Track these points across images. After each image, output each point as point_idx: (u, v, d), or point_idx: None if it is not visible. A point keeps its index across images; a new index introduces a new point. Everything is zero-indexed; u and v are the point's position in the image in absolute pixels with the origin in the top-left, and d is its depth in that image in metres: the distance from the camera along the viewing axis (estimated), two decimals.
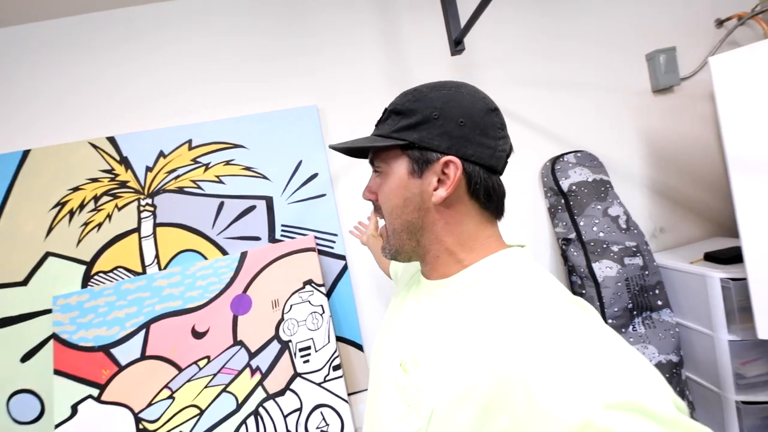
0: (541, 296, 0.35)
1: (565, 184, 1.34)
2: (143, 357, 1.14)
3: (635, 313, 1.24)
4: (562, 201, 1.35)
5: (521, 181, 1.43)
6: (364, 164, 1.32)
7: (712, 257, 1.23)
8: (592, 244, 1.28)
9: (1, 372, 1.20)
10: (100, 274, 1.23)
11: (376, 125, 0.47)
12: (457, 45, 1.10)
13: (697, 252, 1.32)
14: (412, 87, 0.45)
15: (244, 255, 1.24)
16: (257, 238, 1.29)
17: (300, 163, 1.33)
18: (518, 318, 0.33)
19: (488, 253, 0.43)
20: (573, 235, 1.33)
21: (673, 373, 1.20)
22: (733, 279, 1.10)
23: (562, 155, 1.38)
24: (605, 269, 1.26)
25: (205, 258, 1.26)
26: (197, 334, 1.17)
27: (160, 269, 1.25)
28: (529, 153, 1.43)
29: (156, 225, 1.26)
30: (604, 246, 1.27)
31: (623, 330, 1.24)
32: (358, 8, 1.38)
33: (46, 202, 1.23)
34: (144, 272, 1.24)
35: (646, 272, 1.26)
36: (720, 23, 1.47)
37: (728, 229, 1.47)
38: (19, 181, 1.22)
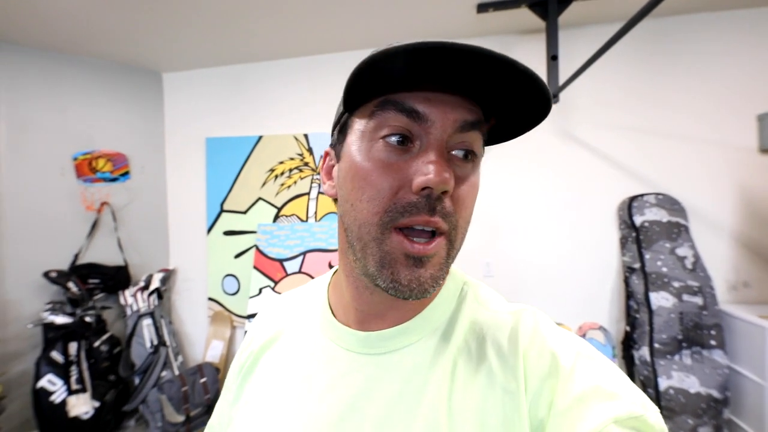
0: (533, 312, 0.33)
1: (638, 220, 1.53)
2: (299, 271, 1.82)
3: (684, 345, 1.37)
4: (633, 234, 1.54)
5: (600, 212, 1.65)
6: None
7: None
8: (653, 275, 1.45)
9: (223, 263, 2.06)
10: (284, 216, 1.97)
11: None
12: (553, 97, 1.44)
13: None
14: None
15: None
16: None
17: None
18: (536, 332, 0.31)
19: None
20: (637, 265, 1.51)
21: (710, 406, 1.30)
22: None
23: (642, 195, 1.56)
24: (661, 300, 1.42)
25: None
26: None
27: (316, 220, 1.93)
28: (611, 188, 1.64)
29: (319, 193, 1.95)
30: (665, 280, 1.43)
31: (668, 356, 1.38)
32: None
33: (265, 167, 2.03)
34: (307, 220, 1.94)
35: (705, 312, 1.37)
36: None
37: None
38: (253, 153, 2.05)
